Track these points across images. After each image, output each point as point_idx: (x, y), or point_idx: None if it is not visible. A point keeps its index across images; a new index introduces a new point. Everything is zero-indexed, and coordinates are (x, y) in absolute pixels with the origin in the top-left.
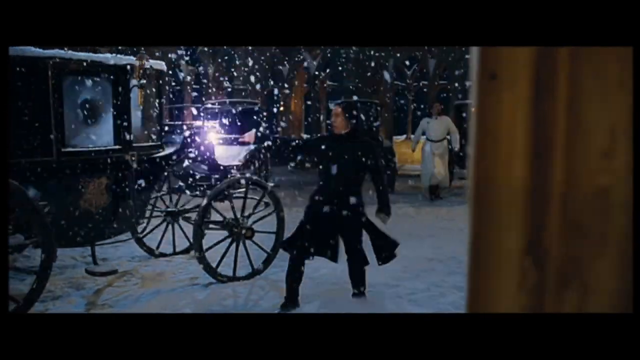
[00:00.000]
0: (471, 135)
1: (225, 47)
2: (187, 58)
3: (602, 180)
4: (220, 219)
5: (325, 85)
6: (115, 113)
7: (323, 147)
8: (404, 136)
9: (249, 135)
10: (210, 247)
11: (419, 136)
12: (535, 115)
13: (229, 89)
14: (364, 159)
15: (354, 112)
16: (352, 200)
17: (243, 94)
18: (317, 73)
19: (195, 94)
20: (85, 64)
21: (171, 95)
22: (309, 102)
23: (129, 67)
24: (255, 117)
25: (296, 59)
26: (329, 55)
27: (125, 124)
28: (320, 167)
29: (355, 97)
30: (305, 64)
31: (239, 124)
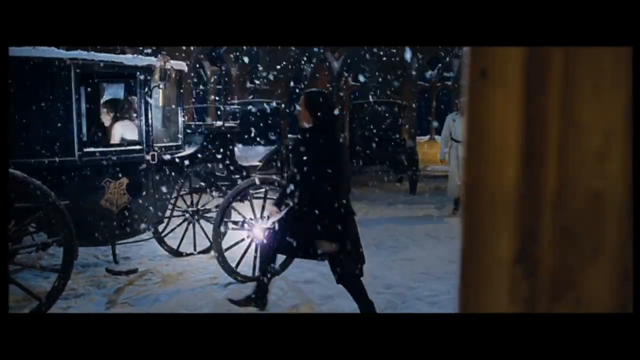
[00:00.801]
0: (463, 135)
1: (248, 47)
2: (211, 57)
3: (597, 185)
4: (240, 219)
5: (348, 85)
6: (136, 113)
7: (293, 147)
8: (428, 136)
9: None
10: (229, 247)
11: (447, 137)
12: (528, 115)
13: (252, 89)
14: (325, 157)
15: (320, 103)
16: (324, 204)
17: (267, 93)
18: (340, 73)
19: (217, 93)
20: (107, 64)
21: (194, 95)
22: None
23: (150, 67)
24: (276, 117)
25: (319, 58)
26: (348, 59)
27: (146, 124)
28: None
29: (376, 97)
30: (328, 63)
31: (260, 124)
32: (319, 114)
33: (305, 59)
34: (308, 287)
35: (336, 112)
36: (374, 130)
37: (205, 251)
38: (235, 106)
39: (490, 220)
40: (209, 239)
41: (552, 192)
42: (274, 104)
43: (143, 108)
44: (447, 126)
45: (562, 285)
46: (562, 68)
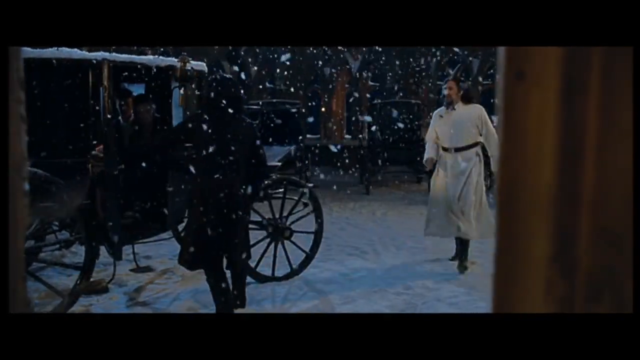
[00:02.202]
0: (498, 135)
1: (267, 47)
2: (229, 57)
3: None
4: (259, 219)
5: (367, 85)
6: (156, 114)
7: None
8: None
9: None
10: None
11: (434, 139)
12: (566, 116)
13: (271, 89)
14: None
15: (211, 85)
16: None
17: (285, 93)
18: (359, 73)
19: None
20: (128, 65)
21: None
22: (351, 103)
23: (171, 68)
24: (295, 118)
25: (339, 57)
26: (369, 56)
27: (166, 124)
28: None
29: (396, 97)
30: (349, 65)
31: (279, 124)
32: (211, 95)
33: (325, 58)
34: (328, 287)
35: (229, 96)
36: (393, 131)
37: None
38: (255, 106)
39: (526, 220)
40: None
41: (590, 192)
42: (293, 104)
43: (164, 108)
44: (433, 125)
45: (601, 286)
46: (602, 68)
